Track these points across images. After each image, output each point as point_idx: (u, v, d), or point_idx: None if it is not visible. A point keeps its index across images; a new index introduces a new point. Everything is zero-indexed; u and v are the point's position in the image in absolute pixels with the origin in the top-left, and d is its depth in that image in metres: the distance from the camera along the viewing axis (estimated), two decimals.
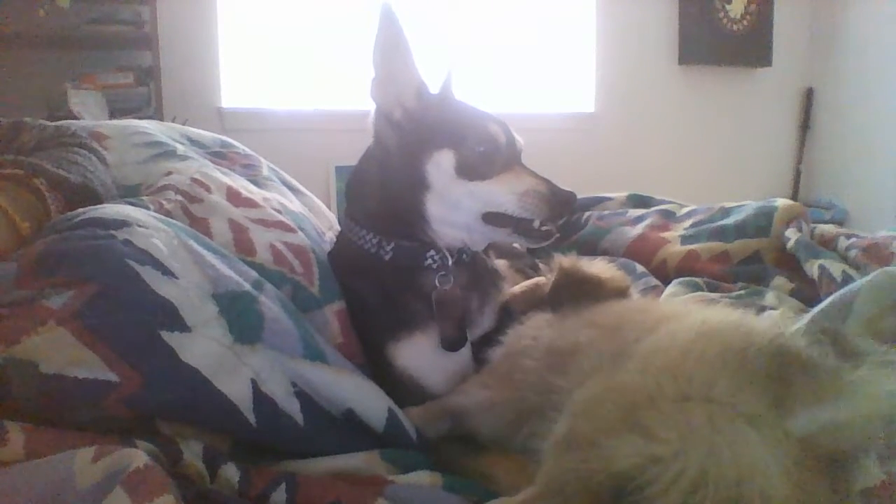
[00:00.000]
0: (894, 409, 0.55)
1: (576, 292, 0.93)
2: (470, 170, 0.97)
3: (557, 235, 1.04)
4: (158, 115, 2.93)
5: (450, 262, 1.00)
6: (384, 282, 1.00)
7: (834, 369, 0.60)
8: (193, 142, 1.42)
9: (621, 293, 0.96)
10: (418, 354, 0.97)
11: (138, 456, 0.56)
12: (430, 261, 0.99)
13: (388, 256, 0.99)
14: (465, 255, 1.04)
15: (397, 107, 1.00)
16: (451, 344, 0.98)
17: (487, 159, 0.98)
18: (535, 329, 0.89)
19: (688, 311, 0.75)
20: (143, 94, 3.00)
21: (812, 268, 1.30)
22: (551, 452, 0.67)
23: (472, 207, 0.98)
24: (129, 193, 1.09)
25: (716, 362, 0.61)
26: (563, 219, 1.03)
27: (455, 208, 0.98)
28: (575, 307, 0.91)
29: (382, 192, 1.02)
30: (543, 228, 1.00)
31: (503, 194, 0.97)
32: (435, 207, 0.98)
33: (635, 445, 0.58)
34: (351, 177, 1.09)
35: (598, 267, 1.01)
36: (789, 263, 1.42)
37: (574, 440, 0.64)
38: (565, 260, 0.99)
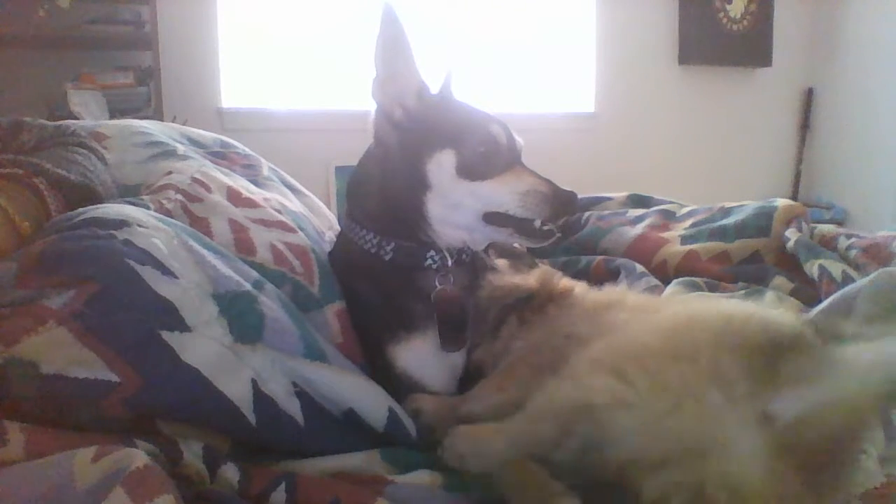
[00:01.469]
0: (882, 384, 0.54)
1: (504, 309, 0.95)
2: (471, 170, 0.97)
3: (559, 235, 1.04)
4: (158, 115, 2.92)
5: (449, 263, 1.00)
6: (384, 282, 1.00)
7: (823, 350, 0.60)
8: (193, 142, 1.42)
9: (552, 293, 0.96)
10: (418, 356, 0.97)
11: (138, 456, 0.56)
12: (430, 261, 0.99)
13: (389, 256, 0.99)
14: (465, 256, 1.04)
15: (398, 107, 1.00)
16: (450, 345, 0.98)
17: (488, 159, 0.98)
18: (568, 327, 0.88)
19: (723, 300, 0.77)
20: (143, 94, 3.00)
21: (812, 268, 1.30)
22: (543, 386, 0.68)
23: (473, 207, 0.98)
24: (130, 193, 1.09)
25: (714, 331, 0.62)
26: (564, 219, 1.03)
27: (456, 208, 0.98)
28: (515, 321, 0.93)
29: (383, 192, 1.02)
30: (545, 228, 1.00)
31: (504, 194, 0.97)
32: (436, 207, 0.98)
33: (609, 384, 0.60)
34: (351, 177, 1.09)
35: (520, 277, 1.01)
36: (789, 263, 1.42)
37: (562, 375, 0.67)
38: (485, 288, 1.01)
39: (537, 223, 0.99)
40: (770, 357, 0.59)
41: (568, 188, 0.99)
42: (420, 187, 0.98)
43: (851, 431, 0.58)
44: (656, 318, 0.71)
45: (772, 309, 0.72)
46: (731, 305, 0.71)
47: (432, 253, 1.00)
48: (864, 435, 0.61)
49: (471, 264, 1.06)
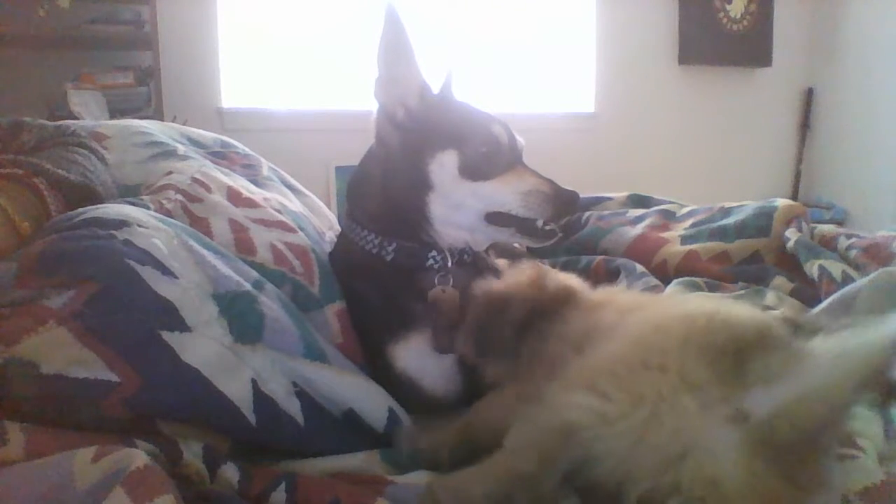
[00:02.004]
0: (849, 375, 0.55)
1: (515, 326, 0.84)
2: (473, 170, 0.97)
3: (561, 235, 1.03)
4: (158, 115, 2.92)
5: (450, 263, 1.00)
6: (385, 282, 1.00)
7: (790, 344, 0.60)
8: (193, 142, 1.42)
9: (554, 297, 0.86)
10: (418, 356, 0.97)
11: (138, 456, 0.56)
12: (431, 261, 0.99)
13: (390, 257, 0.99)
14: (466, 256, 1.04)
15: (400, 107, 1.00)
16: (443, 345, 0.98)
17: (490, 159, 0.98)
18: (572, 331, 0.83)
19: (689, 298, 0.75)
20: (143, 94, 3.00)
21: (812, 268, 1.30)
22: (521, 416, 0.68)
23: (475, 207, 0.98)
24: (130, 193, 1.09)
25: (679, 336, 0.62)
26: (566, 218, 1.03)
27: (458, 208, 0.98)
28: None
29: (385, 193, 1.02)
30: (547, 228, 1.00)
31: (507, 194, 0.97)
32: (438, 208, 0.98)
33: (587, 401, 0.60)
34: (352, 177, 1.09)
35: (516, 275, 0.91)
36: (789, 263, 1.42)
37: (540, 401, 0.66)
38: (477, 303, 0.89)
39: (539, 223, 0.99)
40: (737, 357, 0.59)
41: (569, 188, 0.99)
42: (422, 187, 0.98)
43: (825, 423, 0.58)
44: (626, 325, 0.70)
45: (737, 305, 0.72)
46: (695, 306, 0.70)
47: (434, 253, 1.00)
48: (838, 426, 0.61)
49: (472, 265, 1.06)
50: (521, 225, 0.99)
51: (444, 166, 0.97)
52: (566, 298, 0.87)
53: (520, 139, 1.05)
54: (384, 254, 0.99)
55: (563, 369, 0.70)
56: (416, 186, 0.98)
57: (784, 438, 0.55)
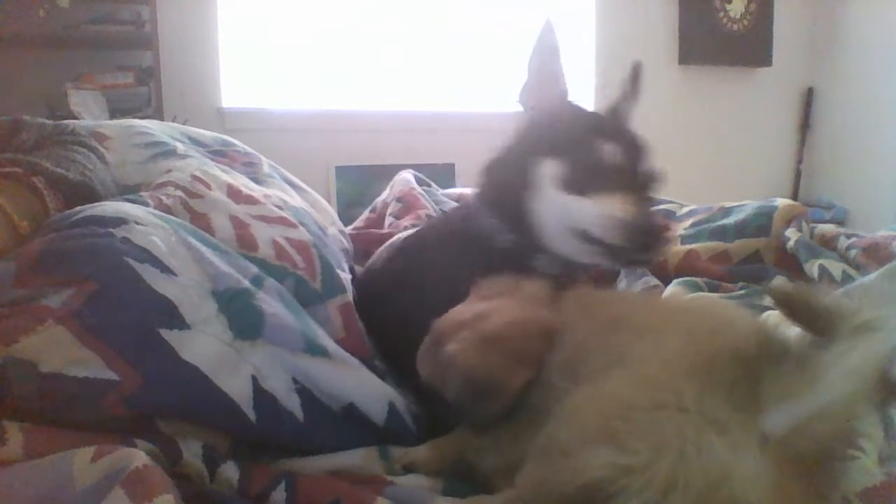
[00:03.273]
0: (863, 384, 0.54)
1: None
2: (569, 183, 0.97)
3: (647, 265, 1.03)
4: (158, 115, 2.92)
5: (554, 270, 1.00)
6: (484, 260, 1.00)
7: (802, 355, 0.59)
8: (194, 140, 1.41)
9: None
10: None
11: (138, 456, 0.56)
12: (537, 262, 1.00)
13: (503, 244, 1.01)
14: (568, 267, 1.03)
15: (537, 111, 1.07)
16: None
17: (587, 176, 0.96)
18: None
19: (680, 315, 0.73)
20: (143, 94, 3.00)
21: (812, 268, 1.30)
22: (532, 458, 0.67)
23: (563, 220, 0.98)
24: (130, 193, 1.08)
25: (688, 370, 0.61)
26: (650, 251, 0.95)
27: (553, 218, 0.99)
28: None
29: (508, 187, 1.04)
30: (632, 256, 0.95)
31: (587, 214, 0.95)
32: (540, 214, 1.00)
33: (606, 456, 0.58)
34: (488, 165, 1.13)
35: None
36: (789, 263, 1.42)
37: (551, 448, 0.65)
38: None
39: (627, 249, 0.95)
40: (749, 380, 0.59)
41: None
42: (529, 192, 1.00)
43: (841, 433, 0.58)
44: (629, 361, 0.67)
45: (731, 313, 0.69)
46: (690, 324, 0.68)
47: (541, 256, 1.00)
48: (850, 432, 0.61)
49: (569, 276, 1.04)
50: (606, 247, 0.95)
51: (546, 174, 0.98)
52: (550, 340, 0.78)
53: (654, 165, 1.02)
54: (500, 238, 1.01)
55: (562, 402, 0.68)
56: (526, 188, 1.00)
57: (802, 452, 0.55)
